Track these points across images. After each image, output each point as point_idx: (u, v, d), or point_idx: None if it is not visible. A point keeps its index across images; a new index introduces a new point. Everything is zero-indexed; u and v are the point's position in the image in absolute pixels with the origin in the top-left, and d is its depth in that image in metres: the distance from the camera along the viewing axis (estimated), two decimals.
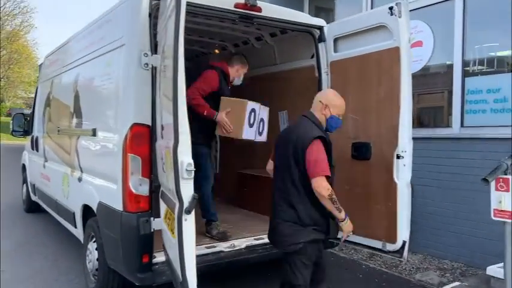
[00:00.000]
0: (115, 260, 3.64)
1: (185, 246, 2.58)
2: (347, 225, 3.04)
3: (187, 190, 2.59)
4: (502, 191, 2.89)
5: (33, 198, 7.34)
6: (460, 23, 5.16)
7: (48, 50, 7.52)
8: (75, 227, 4.80)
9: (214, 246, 3.95)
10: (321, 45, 4.43)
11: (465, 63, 5.19)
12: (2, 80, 35.32)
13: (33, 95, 9.25)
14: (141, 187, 3.41)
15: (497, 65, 5.09)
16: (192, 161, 2.60)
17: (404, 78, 3.64)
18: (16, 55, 36.14)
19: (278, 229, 3.08)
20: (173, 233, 2.78)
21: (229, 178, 6.10)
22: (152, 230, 3.42)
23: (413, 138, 3.71)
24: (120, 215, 3.47)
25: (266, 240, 4.16)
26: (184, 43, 2.62)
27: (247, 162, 5.98)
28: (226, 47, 6.00)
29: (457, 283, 4.02)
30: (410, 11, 3.72)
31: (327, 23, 4.47)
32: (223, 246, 3.96)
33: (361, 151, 3.98)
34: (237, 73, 4.74)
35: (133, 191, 3.40)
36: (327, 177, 2.89)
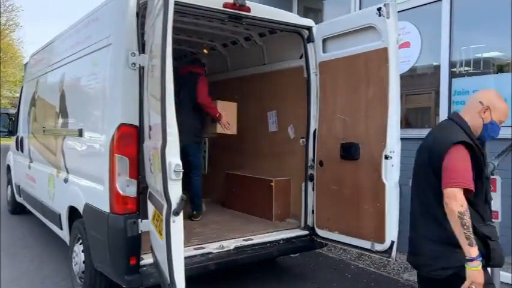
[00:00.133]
0: (102, 262, 3.59)
1: (173, 248, 2.55)
2: (476, 272, 2.17)
3: (176, 191, 2.56)
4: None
5: (18, 199, 7.22)
6: (447, 25, 5.20)
7: (34, 48, 7.42)
8: (61, 229, 4.73)
9: (203, 248, 3.91)
10: (309, 46, 4.43)
11: (452, 64, 5.23)
12: None
13: (18, 95, 9.10)
14: (128, 188, 3.37)
15: (483, 66, 5.14)
16: (180, 162, 2.57)
17: (393, 79, 3.66)
18: (1, 54, 35.55)
19: (421, 250, 2.51)
20: (161, 235, 2.75)
21: (218, 179, 6.07)
22: (140, 232, 3.37)
23: (401, 139, 3.73)
24: (107, 217, 3.42)
25: (255, 241, 4.18)
26: (172, 43, 2.59)
27: (235, 162, 5.95)
28: (215, 47, 5.97)
29: None
30: (398, 12, 3.74)
31: (316, 23, 4.47)
32: (211, 248, 3.93)
33: (349, 151, 3.99)
34: None
35: (121, 192, 3.36)
36: (467, 192, 2.26)
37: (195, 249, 3.87)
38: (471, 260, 2.17)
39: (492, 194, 2.88)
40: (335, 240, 4.20)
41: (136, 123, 3.38)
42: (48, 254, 5.55)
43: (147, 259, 3.49)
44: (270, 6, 4.43)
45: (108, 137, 3.46)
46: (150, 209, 3.28)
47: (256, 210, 5.18)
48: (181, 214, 2.58)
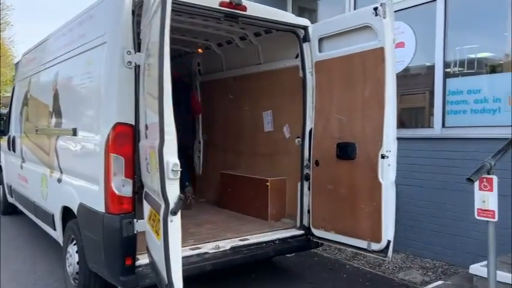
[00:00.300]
0: (97, 263, 3.55)
1: (171, 248, 2.53)
2: None
3: (173, 191, 2.54)
4: (485, 190, 2.92)
5: (10, 200, 7.14)
6: (441, 25, 5.22)
7: (25, 48, 7.34)
8: (54, 229, 4.67)
9: (199, 248, 3.89)
10: (305, 45, 4.43)
11: (446, 65, 5.26)
12: None
13: (9, 94, 9.00)
14: (124, 188, 3.34)
15: (477, 67, 5.17)
16: (178, 161, 2.55)
17: (389, 79, 3.66)
18: None
19: None
20: (158, 235, 2.72)
21: (213, 179, 6.06)
22: (135, 232, 3.34)
23: (396, 139, 3.73)
24: (102, 217, 3.38)
25: (251, 240, 4.17)
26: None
27: (230, 163, 5.94)
28: (209, 47, 5.94)
29: (440, 282, 4.05)
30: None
31: (310, 23, 4.47)
32: (207, 248, 3.90)
33: (346, 151, 3.99)
34: None
35: (116, 192, 3.32)
36: None
37: (191, 249, 3.84)
38: None
39: (489, 193, 2.91)
40: (331, 240, 4.20)
41: (132, 122, 3.35)
42: (41, 255, 5.49)
43: (142, 259, 3.45)
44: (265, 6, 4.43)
45: (103, 136, 3.42)
46: (146, 208, 3.25)
47: (252, 210, 5.16)
48: (179, 214, 2.56)
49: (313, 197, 4.33)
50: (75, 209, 3.93)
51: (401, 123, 5.76)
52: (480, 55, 5.22)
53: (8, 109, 7.83)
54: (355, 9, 6.30)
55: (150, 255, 3.30)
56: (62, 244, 4.41)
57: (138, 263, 3.42)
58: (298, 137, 4.72)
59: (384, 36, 3.66)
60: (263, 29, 4.87)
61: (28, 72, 6.27)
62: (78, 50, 4.16)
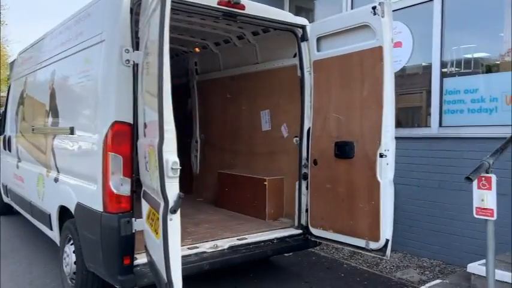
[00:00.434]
0: (94, 262, 3.53)
1: (170, 247, 2.52)
2: None
3: (173, 189, 2.53)
4: (484, 189, 2.93)
5: (6, 200, 7.09)
6: (438, 25, 5.24)
7: (20, 47, 7.28)
8: (51, 229, 4.64)
9: (197, 247, 3.88)
10: (303, 44, 4.43)
11: (443, 64, 5.27)
12: None
13: (4, 94, 8.93)
14: (122, 187, 3.32)
15: (474, 66, 5.19)
16: (177, 160, 2.54)
17: (387, 78, 3.67)
18: None
19: None
20: (157, 234, 2.71)
21: (210, 178, 6.04)
22: (134, 231, 3.33)
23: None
24: (100, 216, 3.36)
25: (249, 240, 4.16)
26: None
27: (228, 162, 5.93)
28: (207, 46, 5.93)
29: (437, 281, 4.06)
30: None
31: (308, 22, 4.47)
32: (205, 247, 3.89)
33: (344, 150, 3.99)
34: None
35: (114, 191, 3.30)
36: None
37: (189, 248, 3.83)
38: None
39: (487, 192, 2.92)
40: (329, 239, 4.20)
41: (131, 120, 3.33)
42: (37, 255, 5.45)
43: (140, 259, 3.44)
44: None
45: (101, 135, 3.40)
46: (145, 207, 3.23)
47: (250, 210, 5.15)
48: (179, 212, 2.55)
49: (311, 196, 4.33)
50: (72, 209, 3.91)
51: (398, 123, 5.77)
52: (477, 55, 5.24)
53: (3, 108, 7.78)
54: (352, 8, 6.30)
55: (148, 254, 3.28)
56: (58, 244, 4.38)
57: (136, 262, 3.41)
58: (296, 136, 4.72)
59: (382, 35, 3.67)
60: (261, 28, 4.87)
61: (24, 71, 6.23)
62: (76, 49, 4.13)
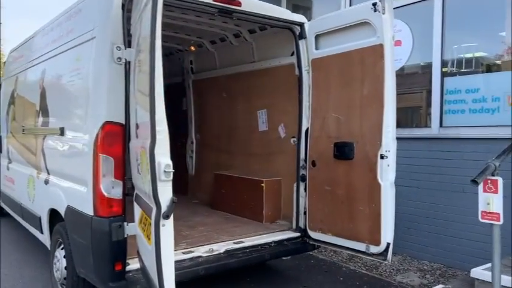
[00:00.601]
0: (85, 268, 3.40)
1: (163, 254, 2.39)
2: None
3: (166, 193, 2.41)
4: (490, 192, 2.82)
5: None
6: (439, 23, 5.13)
7: (11, 46, 7.13)
8: (42, 233, 4.51)
9: (192, 252, 3.75)
10: (301, 42, 4.31)
11: (444, 63, 5.17)
12: None
13: None
14: (113, 190, 3.19)
15: (475, 65, 5.09)
16: (170, 162, 2.41)
17: (388, 76, 3.56)
18: None
19: None
20: (149, 239, 2.59)
21: (206, 180, 5.92)
22: (125, 236, 3.20)
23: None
24: (91, 220, 3.23)
25: (246, 243, 4.04)
26: None
27: (224, 163, 5.80)
28: (202, 44, 5.81)
29: (440, 286, 3.96)
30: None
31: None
32: (201, 251, 3.77)
33: (343, 151, 3.87)
34: None
35: (105, 194, 3.18)
36: None
37: (184, 253, 3.70)
38: None
39: (493, 195, 2.81)
40: (328, 243, 4.08)
41: (122, 121, 3.21)
42: (28, 259, 5.31)
43: (133, 264, 3.32)
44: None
45: (92, 135, 3.27)
46: (137, 211, 3.11)
47: (246, 212, 5.03)
48: (172, 218, 2.43)
49: (309, 198, 4.21)
50: (62, 212, 3.78)
51: (397, 123, 5.64)
52: (478, 54, 5.14)
53: None
54: (350, 6, 6.21)
55: (141, 260, 3.16)
56: (49, 248, 4.25)
57: (128, 268, 3.29)
58: (293, 137, 4.60)
59: (382, 33, 3.55)
60: (258, 25, 4.75)
61: (14, 70, 6.08)
62: (66, 46, 4.00)
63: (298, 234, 4.35)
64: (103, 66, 3.24)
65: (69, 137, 3.85)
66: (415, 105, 5.78)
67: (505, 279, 3.04)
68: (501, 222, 2.83)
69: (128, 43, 3.21)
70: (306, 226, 4.27)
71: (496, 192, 2.78)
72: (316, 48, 4.19)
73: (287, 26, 4.33)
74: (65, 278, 3.80)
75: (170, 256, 2.44)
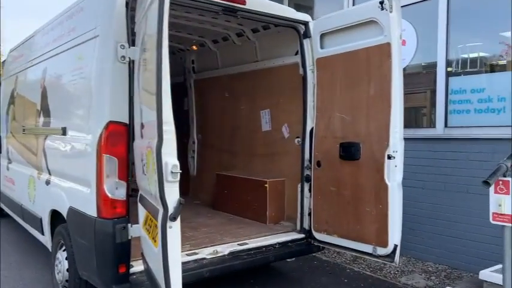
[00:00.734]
0: (88, 270, 3.35)
1: (170, 257, 2.34)
2: None
3: (173, 194, 2.35)
4: (501, 193, 2.77)
5: None
6: (443, 22, 5.09)
7: (11, 46, 7.06)
8: (43, 234, 4.45)
9: (196, 253, 3.70)
10: (306, 42, 4.26)
11: (449, 63, 5.12)
12: None
13: None
14: (117, 191, 3.13)
15: (481, 65, 5.05)
16: (177, 163, 2.35)
17: (396, 75, 3.52)
18: None
19: None
20: (155, 242, 2.53)
21: (208, 180, 5.86)
22: (130, 238, 3.15)
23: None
24: (94, 222, 3.17)
25: (250, 245, 4.00)
26: None
27: (226, 163, 5.75)
28: (204, 43, 5.75)
29: None
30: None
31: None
32: (205, 253, 3.71)
33: (349, 151, 3.82)
34: None
35: (109, 195, 3.12)
36: None
37: (188, 255, 3.64)
38: None
39: (505, 197, 2.76)
40: (334, 244, 4.03)
41: (126, 120, 3.15)
42: (28, 261, 5.24)
43: (137, 266, 3.27)
44: None
45: (95, 135, 3.21)
46: (142, 213, 3.05)
47: (249, 213, 4.97)
48: (179, 219, 2.37)
49: (314, 199, 4.16)
50: (64, 213, 3.72)
51: None
52: (483, 53, 5.09)
53: None
54: (353, 5, 6.16)
55: (145, 262, 3.10)
56: (50, 250, 4.19)
57: (132, 270, 3.24)
58: (297, 137, 4.55)
59: (390, 31, 3.51)
60: (261, 24, 4.70)
61: (14, 70, 6.02)
62: (68, 45, 3.94)
63: (302, 235, 4.30)
64: (107, 65, 3.19)
65: (72, 137, 3.79)
66: (419, 105, 5.74)
67: None
68: None
69: (131, 42, 3.17)
70: (310, 227, 4.22)
71: (507, 193, 2.74)
72: (322, 47, 4.14)
73: (291, 24, 4.28)
74: (66, 280, 3.74)
75: (177, 259, 2.38)
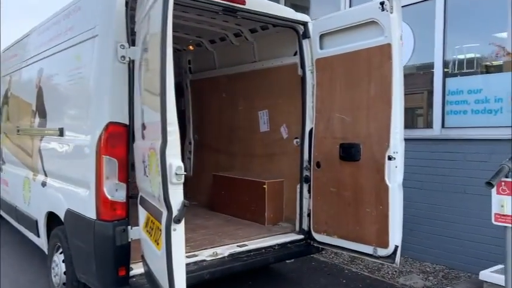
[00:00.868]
0: (87, 273, 3.30)
1: (174, 259, 2.31)
2: None
3: (177, 197, 2.32)
4: (504, 194, 2.78)
5: None
6: (440, 23, 5.10)
7: (4, 45, 6.95)
8: (38, 236, 4.39)
9: (195, 255, 3.66)
10: (305, 42, 4.25)
11: (445, 64, 5.14)
12: None
13: None
14: (117, 193, 3.09)
15: (478, 66, 5.07)
16: (182, 164, 2.32)
17: (396, 76, 3.52)
18: None
19: None
20: (158, 244, 2.50)
21: (205, 181, 5.82)
22: (130, 240, 3.11)
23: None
24: (93, 224, 3.13)
25: (250, 246, 3.97)
26: None
27: (223, 164, 5.71)
28: (201, 43, 5.72)
29: None
30: None
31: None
32: (205, 255, 3.68)
33: (349, 152, 3.81)
34: None
35: (109, 197, 3.08)
36: None
37: (188, 257, 3.59)
38: None
39: (508, 197, 2.77)
40: (333, 245, 4.02)
41: (126, 121, 3.12)
42: (24, 263, 5.17)
43: (136, 269, 3.23)
44: None
45: (94, 137, 3.17)
46: (142, 215, 3.02)
47: (248, 214, 4.95)
48: (183, 222, 2.34)
49: (314, 200, 4.15)
50: (61, 215, 3.67)
51: None
52: (480, 54, 5.11)
53: None
54: (350, 6, 6.17)
55: (146, 265, 3.06)
56: (46, 252, 4.12)
57: (132, 272, 3.20)
58: (296, 138, 4.54)
59: (390, 32, 3.51)
60: (259, 24, 4.68)
61: (8, 70, 5.93)
62: (65, 44, 3.89)
63: (302, 236, 4.29)
64: (106, 65, 3.15)
65: (69, 138, 3.73)
66: (416, 106, 5.75)
67: None
68: None
69: (131, 42, 3.13)
70: (310, 228, 4.21)
71: (510, 194, 2.74)
72: (321, 48, 4.13)
73: (290, 25, 4.27)
74: (64, 283, 3.69)
75: (181, 261, 2.35)
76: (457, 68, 5.15)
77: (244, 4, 3.78)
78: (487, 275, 3.51)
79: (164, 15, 2.27)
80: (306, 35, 4.24)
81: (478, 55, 5.10)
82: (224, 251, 3.80)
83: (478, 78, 4.96)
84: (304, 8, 7.60)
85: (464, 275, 4.72)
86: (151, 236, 2.71)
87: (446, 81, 5.12)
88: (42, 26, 4.71)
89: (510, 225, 2.79)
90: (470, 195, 4.73)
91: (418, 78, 5.67)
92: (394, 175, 3.52)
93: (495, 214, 2.84)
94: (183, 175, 2.32)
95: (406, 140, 5.04)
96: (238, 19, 4.31)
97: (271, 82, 4.99)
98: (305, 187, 4.27)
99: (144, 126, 2.82)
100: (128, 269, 3.15)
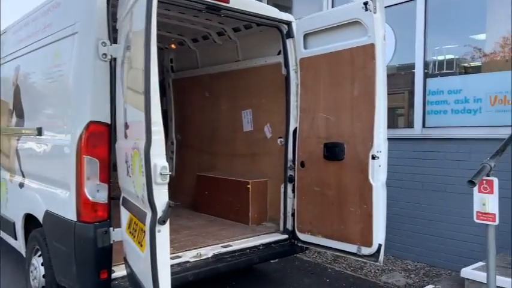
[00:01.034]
0: (67, 276, 3.22)
1: (159, 261, 2.26)
2: None
3: (162, 197, 2.27)
4: (485, 193, 2.82)
5: None
6: (421, 24, 5.17)
7: None
8: (15, 239, 4.26)
9: (179, 256, 3.61)
10: (289, 41, 4.24)
11: (426, 64, 5.21)
12: None
13: None
14: (98, 194, 3.02)
15: (457, 67, 5.16)
16: (167, 164, 2.28)
17: (379, 76, 3.53)
18: None
19: None
20: (142, 246, 2.45)
21: (187, 181, 5.76)
22: (112, 242, 3.04)
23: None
24: (74, 226, 3.05)
25: (234, 247, 3.94)
26: None
27: (206, 164, 5.66)
28: (184, 42, 5.65)
29: (430, 286, 3.96)
30: None
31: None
32: (188, 256, 3.63)
33: (333, 151, 3.82)
34: None
35: (90, 198, 3.01)
36: None
37: (171, 258, 3.51)
38: None
39: (489, 196, 2.81)
40: (318, 244, 4.02)
41: (108, 120, 3.04)
42: (1, 265, 5.01)
43: (118, 271, 3.16)
44: None
45: (74, 136, 3.09)
46: (125, 216, 2.96)
47: (231, 214, 4.91)
48: (168, 223, 2.29)
49: (298, 199, 4.14)
50: (40, 217, 3.57)
51: None
52: (460, 55, 5.20)
53: None
54: (333, 6, 6.19)
55: (128, 267, 3.00)
56: (24, 255, 4.01)
57: (114, 275, 3.13)
58: (280, 137, 4.53)
59: (374, 32, 3.52)
60: (243, 23, 4.65)
61: None
62: (43, 42, 3.78)
63: (286, 236, 4.28)
64: (87, 62, 3.07)
65: (48, 138, 3.64)
66: (397, 105, 5.81)
67: (499, 279, 3.05)
68: (497, 222, 2.83)
69: (113, 39, 3.06)
70: (294, 228, 4.20)
71: (491, 192, 2.78)
72: (305, 48, 4.12)
73: (274, 24, 4.25)
74: (43, 287, 3.59)
75: (166, 263, 2.31)
76: (437, 69, 5.23)
77: (228, 3, 3.75)
78: (468, 272, 3.57)
79: (148, 13, 2.23)
80: (290, 34, 4.23)
81: (457, 56, 5.19)
82: (208, 251, 3.76)
83: (458, 78, 5.05)
84: (286, 8, 7.60)
85: (446, 273, 4.79)
86: (134, 237, 2.65)
87: (427, 81, 5.19)
88: (19, 23, 4.57)
89: (491, 223, 2.84)
90: (450, 194, 4.81)
91: (400, 78, 5.74)
92: (378, 174, 3.54)
93: (477, 212, 2.88)
94: (168, 175, 2.28)
95: (388, 139, 5.12)
96: (221, 18, 4.28)
97: (254, 81, 4.97)
98: (289, 187, 4.26)
99: (127, 126, 2.76)
100: (110, 272, 3.08)
